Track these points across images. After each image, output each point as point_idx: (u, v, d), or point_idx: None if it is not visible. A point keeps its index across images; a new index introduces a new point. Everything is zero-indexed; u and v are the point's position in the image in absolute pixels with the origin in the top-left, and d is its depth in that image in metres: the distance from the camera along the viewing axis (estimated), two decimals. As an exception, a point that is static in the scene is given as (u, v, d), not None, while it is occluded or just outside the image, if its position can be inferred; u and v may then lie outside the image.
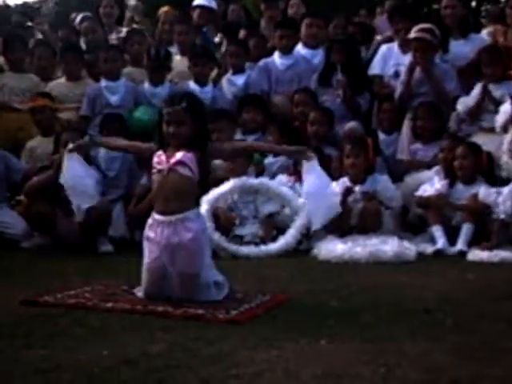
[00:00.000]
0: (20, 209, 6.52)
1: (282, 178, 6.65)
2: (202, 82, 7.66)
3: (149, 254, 4.21)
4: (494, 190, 6.13)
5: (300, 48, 8.12)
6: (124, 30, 8.85)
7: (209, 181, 6.18)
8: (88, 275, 5.11)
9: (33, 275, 5.17)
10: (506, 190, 6.03)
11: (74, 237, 6.28)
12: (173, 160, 4.18)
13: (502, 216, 5.92)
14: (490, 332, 3.62)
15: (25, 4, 24.57)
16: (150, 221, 4.25)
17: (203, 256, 4.20)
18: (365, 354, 3.22)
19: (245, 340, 3.43)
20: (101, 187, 6.34)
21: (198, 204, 4.52)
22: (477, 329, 3.69)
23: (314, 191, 4.65)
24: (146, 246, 4.25)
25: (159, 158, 4.25)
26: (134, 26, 9.64)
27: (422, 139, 7.07)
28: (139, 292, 4.32)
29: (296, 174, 6.43)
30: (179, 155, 4.18)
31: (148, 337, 3.50)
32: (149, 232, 4.22)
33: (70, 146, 4.70)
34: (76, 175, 4.71)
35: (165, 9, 9.17)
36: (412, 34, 7.23)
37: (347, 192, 6.25)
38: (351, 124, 7.18)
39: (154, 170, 4.27)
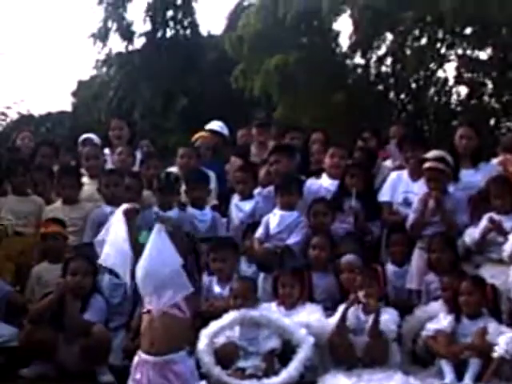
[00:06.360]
0: (22, 335, 6.34)
1: (271, 305, 6.54)
2: (199, 206, 7.60)
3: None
4: (502, 328, 6.07)
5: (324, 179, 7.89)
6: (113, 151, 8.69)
7: (210, 313, 6.17)
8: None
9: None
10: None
11: (75, 365, 6.16)
12: None
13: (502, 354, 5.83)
14: None
15: (49, 115, 24.64)
16: (136, 359, 4.15)
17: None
18: None
19: None
20: (104, 314, 6.34)
21: (191, 343, 4.42)
22: None
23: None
24: None
25: None
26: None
27: (436, 271, 6.81)
28: None
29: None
30: None
31: None
32: (135, 373, 4.12)
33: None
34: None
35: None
36: (425, 164, 7.13)
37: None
38: (349, 257, 6.88)
39: (144, 310, 4.22)
